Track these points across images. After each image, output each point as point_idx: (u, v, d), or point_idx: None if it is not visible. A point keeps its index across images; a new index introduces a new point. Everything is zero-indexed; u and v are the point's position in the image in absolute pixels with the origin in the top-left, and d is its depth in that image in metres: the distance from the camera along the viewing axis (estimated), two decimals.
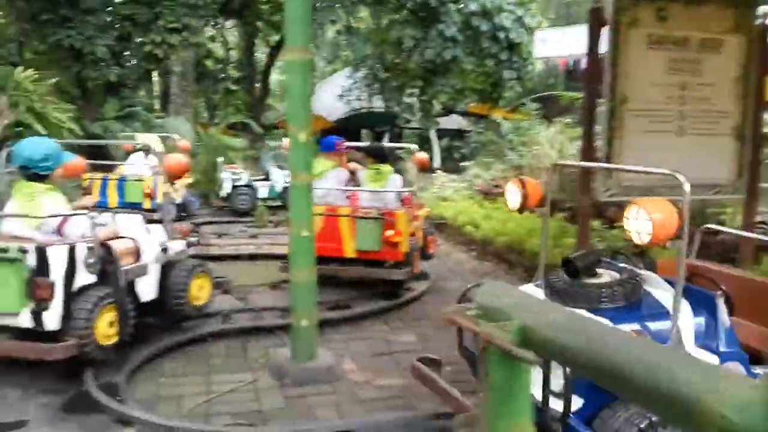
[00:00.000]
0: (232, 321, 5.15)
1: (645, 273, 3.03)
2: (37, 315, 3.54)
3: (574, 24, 28.78)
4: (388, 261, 5.69)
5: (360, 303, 5.71)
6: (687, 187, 2.55)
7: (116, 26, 12.51)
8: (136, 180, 8.70)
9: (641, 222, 2.64)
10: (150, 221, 4.77)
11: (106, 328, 3.80)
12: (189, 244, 4.95)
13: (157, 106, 17.33)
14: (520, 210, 3.52)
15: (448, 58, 16.98)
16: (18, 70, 9.17)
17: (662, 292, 2.88)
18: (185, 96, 15.70)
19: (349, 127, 19.94)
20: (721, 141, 4.88)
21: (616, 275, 2.91)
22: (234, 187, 11.18)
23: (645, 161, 4.77)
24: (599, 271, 2.95)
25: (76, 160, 4.57)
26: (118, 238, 4.19)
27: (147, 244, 4.33)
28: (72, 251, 3.67)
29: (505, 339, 1.04)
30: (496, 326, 1.05)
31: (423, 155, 7.11)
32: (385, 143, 20.95)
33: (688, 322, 2.70)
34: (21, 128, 8.70)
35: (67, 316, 3.61)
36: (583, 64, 22.13)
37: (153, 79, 17.15)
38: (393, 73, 20.83)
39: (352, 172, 6.38)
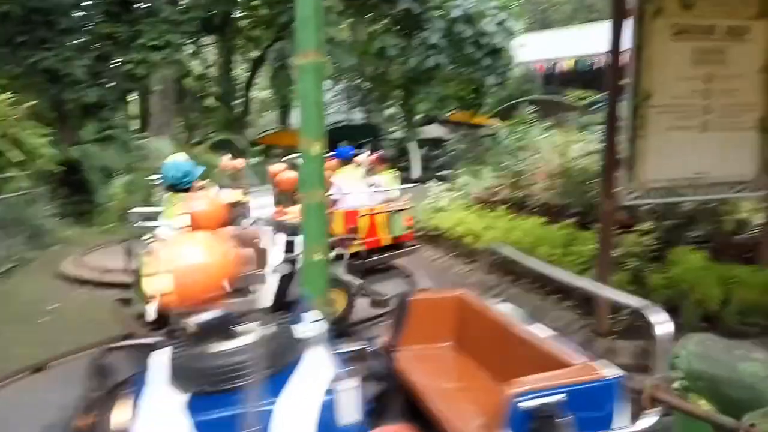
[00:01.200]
0: None
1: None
2: None
3: (549, 28, 29.14)
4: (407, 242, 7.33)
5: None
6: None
7: (95, 46, 12.09)
8: None
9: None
10: None
11: None
12: None
13: (135, 126, 16.85)
14: None
15: (431, 66, 16.82)
16: None
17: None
18: (165, 115, 15.26)
19: (329, 140, 19.54)
20: (746, 135, 4.67)
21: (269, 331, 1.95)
22: None
23: (668, 160, 4.56)
24: (242, 329, 1.94)
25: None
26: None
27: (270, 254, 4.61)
28: None
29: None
30: (755, 413, 0.68)
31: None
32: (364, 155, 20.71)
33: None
34: None
35: None
36: (559, 68, 22.07)
37: (131, 99, 16.68)
38: (375, 84, 20.68)
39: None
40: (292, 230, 4.71)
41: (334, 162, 7.38)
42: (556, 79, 26.19)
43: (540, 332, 2.48)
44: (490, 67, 17.26)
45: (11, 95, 8.90)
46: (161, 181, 4.50)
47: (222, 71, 20.54)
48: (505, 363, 2.49)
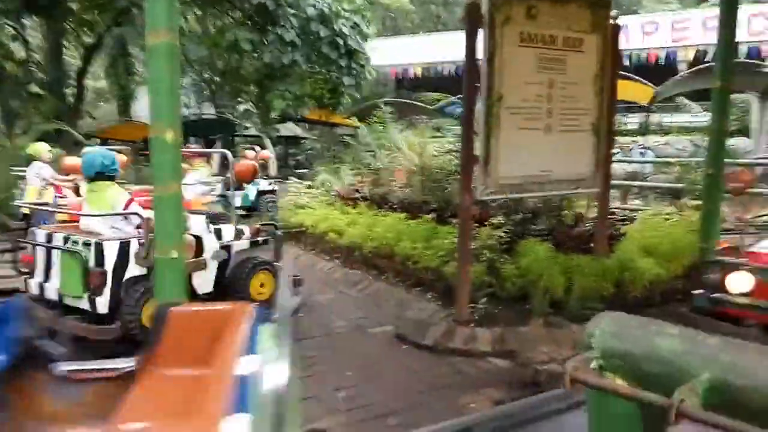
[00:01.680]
0: None
1: None
2: (92, 300, 4.17)
3: (399, 35, 30.30)
4: None
5: None
6: None
7: None
8: None
9: None
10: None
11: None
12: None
13: None
14: None
15: (287, 63, 16.55)
16: None
17: None
18: None
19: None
20: (582, 137, 5.18)
21: None
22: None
23: (518, 159, 4.90)
24: None
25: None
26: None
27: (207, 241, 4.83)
28: (124, 246, 4.22)
29: (697, 407, 0.69)
30: (683, 389, 0.68)
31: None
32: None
33: None
34: None
35: (116, 302, 4.17)
36: (410, 73, 23.33)
37: None
38: (227, 78, 19.84)
39: None
40: (216, 218, 5.34)
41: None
42: (408, 83, 27.40)
43: None
44: (347, 68, 17.43)
45: None
46: (86, 170, 4.64)
47: (50, 56, 18.32)
48: None
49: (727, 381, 0.69)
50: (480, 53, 4.55)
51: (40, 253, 4.59)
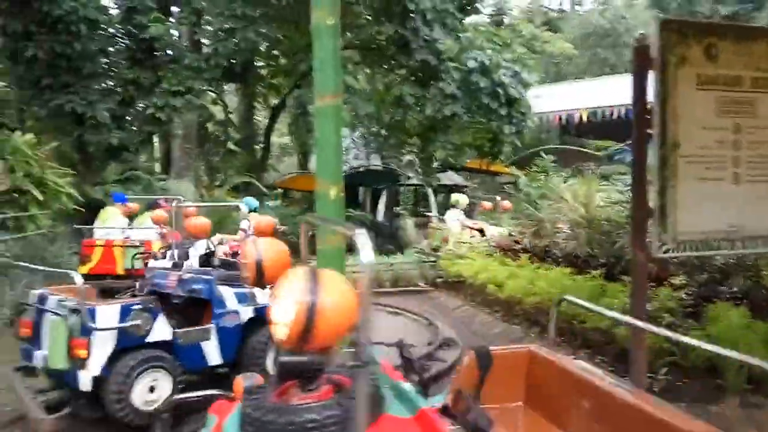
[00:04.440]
0: None
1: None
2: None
3: (563, 80, 29.52)
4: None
5: None
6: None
7: (118, 90, 12.38)
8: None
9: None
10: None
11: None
12: None
13: (158, 168, 17.09)
14: None
15: (448, 114, 16.98)
16: (17, 135, 8.88)
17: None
18: (187, 158, 15.47)
19: (347, 185, 19.71)
20: None
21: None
22: None
23: (701, 212, 4.40)
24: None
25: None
26: None
27: None
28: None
29: None
30: None
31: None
32: (383, 200, 20.80)
33: None
34: (17, 194, 8.33)
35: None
36: (575, 119, 22.57)
37: (154, 142, 16.96)
38: (392, 131, 20.87)
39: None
40: None
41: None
42: (572, 130, 26.40)
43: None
44: (507, 117, 17.37)
45: (35, 136, 9.04)
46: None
47: (243, 117, 20.94)
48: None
49: None
50: (650, 96, 4.24)
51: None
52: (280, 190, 20.75)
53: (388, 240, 15.99)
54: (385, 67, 18.24)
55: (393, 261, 10.22)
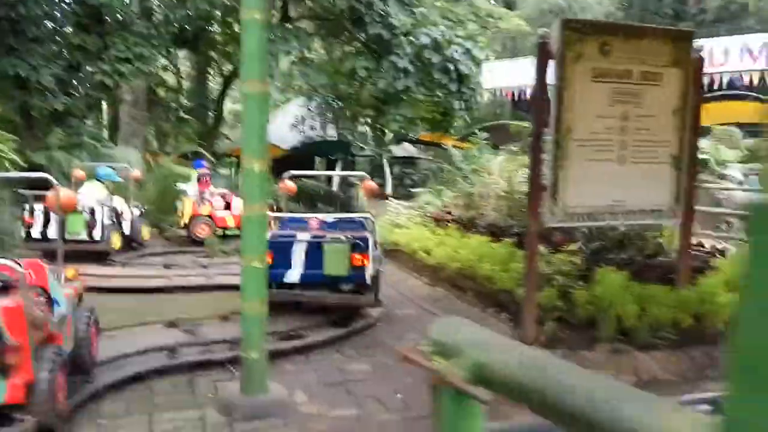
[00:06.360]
0: (178, 356, 4.95)
1: None
2: None
3: (518, 57, 30.13)
4: None
5: (312, 331, 5.69)
6: None
7: (65, 55, 12.24)
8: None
9: None
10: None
11: None
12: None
13: (106, 134, 16.92)
14: None
15: (400, 88, 17.38)
16: None
17: None
18: (135, 124, 15.40)
19: (302, 154, 19.98)
20: (660, 168, 5.17)
21: None
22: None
23: (588, 188, 5.02)
24: None
25: None
26: None
27: None
28: None
29: (457, 376, 1.02)
30: (449, 363, 1.05)
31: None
32: (338, 170, 21.17)
33: None
34: None
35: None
36: (529, 94, 23.04)
37: (102, 108, 16.76)
38: (346, 103, 21.14)
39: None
40: None
41: None
42: (524, 105, 27.15)
43: None
44: (457, 92, 17.89)
45: None
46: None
47: (195, 84, 20.77)
48: None
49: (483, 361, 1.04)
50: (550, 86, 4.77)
51: None
52: (234, 159, 20.83)
53: (342, 209, 16.44)
54: (342, 39, 18.42)
55: None
